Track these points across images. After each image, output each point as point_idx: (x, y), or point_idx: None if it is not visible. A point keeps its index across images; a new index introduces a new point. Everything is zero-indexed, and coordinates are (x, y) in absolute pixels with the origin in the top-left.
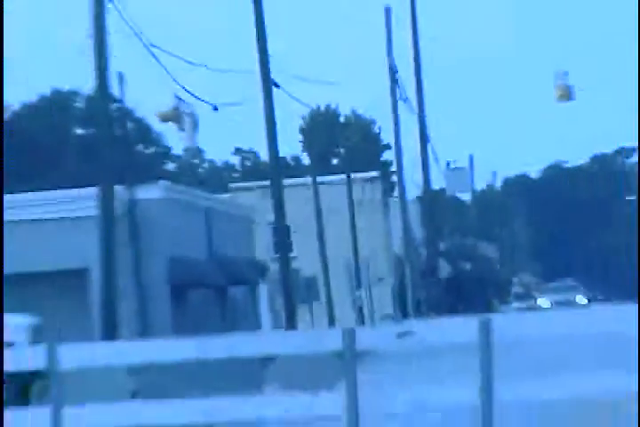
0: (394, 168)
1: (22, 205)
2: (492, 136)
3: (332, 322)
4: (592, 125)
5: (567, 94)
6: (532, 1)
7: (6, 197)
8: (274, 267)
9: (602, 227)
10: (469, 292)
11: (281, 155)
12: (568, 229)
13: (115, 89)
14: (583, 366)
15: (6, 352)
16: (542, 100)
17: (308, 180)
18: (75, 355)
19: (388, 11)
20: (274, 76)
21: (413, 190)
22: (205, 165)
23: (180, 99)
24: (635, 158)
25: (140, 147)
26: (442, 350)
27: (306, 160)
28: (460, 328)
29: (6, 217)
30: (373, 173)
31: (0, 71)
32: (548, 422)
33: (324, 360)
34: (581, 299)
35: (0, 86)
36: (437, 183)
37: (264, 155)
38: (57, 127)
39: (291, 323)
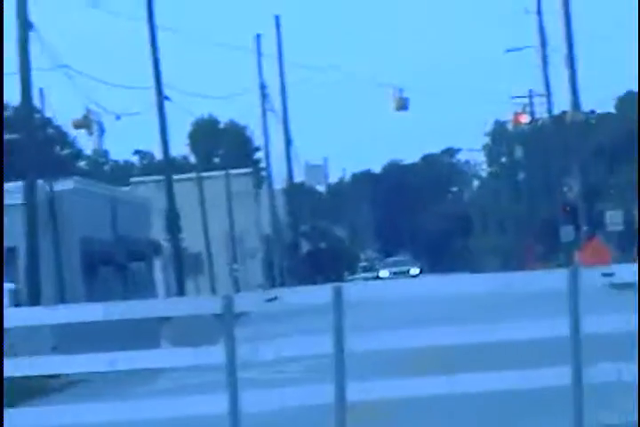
0: (263, 165)
1: None
2: (343, 139)
3: (213, 290)
4: (424, 131)
5: (403, 105)
6: (377, 29)
7: None
8: (166, 246)
9: (430, 212)
10: (325, 265)
11: (172, 155)
12: (403, 214)
13: (37, 101)
14: (414, 320)
15: None
16: (382, 110)
17: (194, 175)
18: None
19: (258, 37)
20: (166, 91)
21: (279, 183)
22: (110, 163)
23: (90, 109)
24: (460, 156)
25: (57, 149)
26: (303, 312)
27: (192, 159)
28: (318, 294)
29: None
30: (247, 170)
31: (0, 72)
32: (387, 364)
33: (207, 321)
34: (414, 270)
35: (0, 88)
36: (298, 177)
37: (158, 155)
38: None
39: (180, 291)
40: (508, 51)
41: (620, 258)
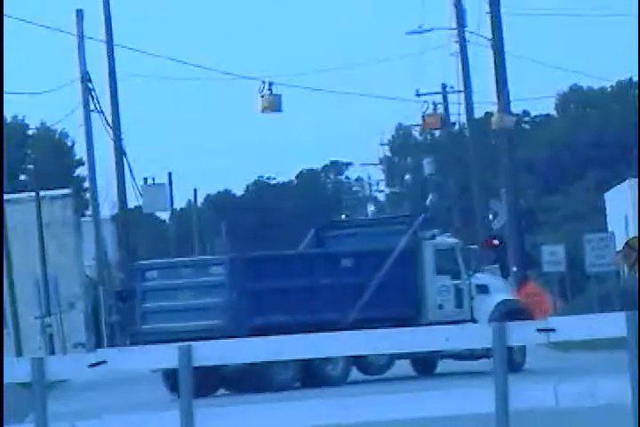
0: (87, 184)
1: None
2: (194, 151)
3: (19, 351)
4: (301, 139)
5: (273, 105)
6: (236, 7)
7: None
8: None
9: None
10: None
11: None
12: (273, 249)
13: None
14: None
15: None
16: (246, 111)
17: None
18: None
19: (80, 13)
20: None
21: (108, 208)
22: None
23: None
24: (349, 173)
25: None
26: (137, 379)
27: None
28: (159, 355)
29: None
30: (65, 191)
31: (0, 72)
32: None
33: (13, 392)
34: None
35: (0, 90)
36: (134, 201)
37: None
38: None
39: None
40: (411, 33)
41: (562, 309)
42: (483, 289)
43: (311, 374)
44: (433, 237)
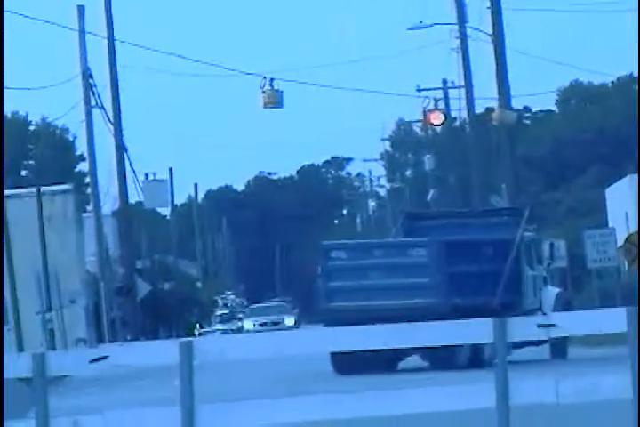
0: (88, 180)
1: None
2: (194, 146)
3: (21, 346)
4: (302, 134)
5: (274, 100)
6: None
7: None
8: None
9: (311, 242)
10: (169, 313)
11: None
12: (275, 246)
13: None
14: (288, 385)
15: None
16: (247, 107)
17: None
18: None
19: (81, 8)
20: None
21: (109, 204)
22: None
23: None
24: (350, 169)
25: None
26: (139, 375)
27: None
28: (160, 351)
29: None
30: (66, 186)
31: (0, 72)
32: None
33: (14, 387)
34: (289, 320)
35: (0, 90)
36: (135, 197)
37: None
38: None
39: None
40: (411, 28)
41: None
42: (545, 280)
43: (476, 357)
44: (534, 229)
